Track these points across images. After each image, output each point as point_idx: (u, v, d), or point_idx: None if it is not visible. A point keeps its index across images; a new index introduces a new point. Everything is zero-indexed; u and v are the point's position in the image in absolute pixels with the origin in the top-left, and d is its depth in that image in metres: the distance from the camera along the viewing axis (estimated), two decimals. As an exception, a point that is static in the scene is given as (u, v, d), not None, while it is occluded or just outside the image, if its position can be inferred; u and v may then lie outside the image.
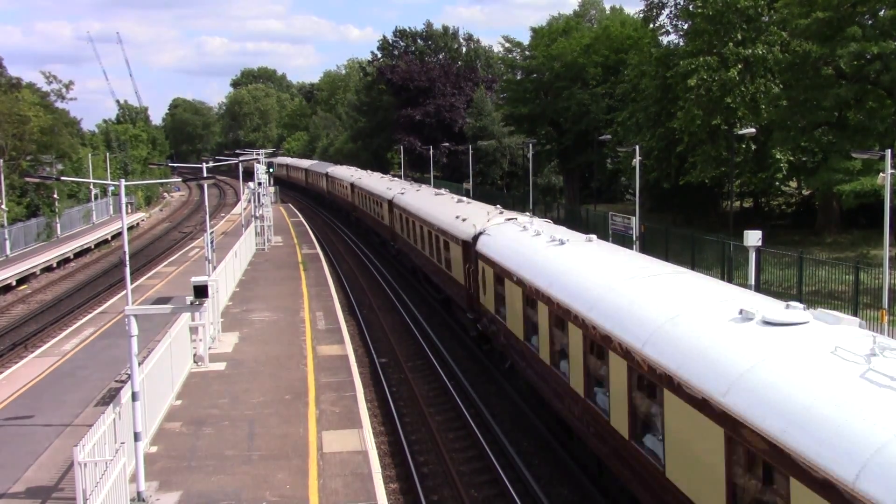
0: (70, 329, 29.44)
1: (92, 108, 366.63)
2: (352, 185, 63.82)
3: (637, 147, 43.31)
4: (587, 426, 15.63)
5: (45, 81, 66.20)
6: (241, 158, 54.59)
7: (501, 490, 17.55)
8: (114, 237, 62.59)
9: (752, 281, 30.47)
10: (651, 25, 54.80)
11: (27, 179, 52.92)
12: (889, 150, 26.38)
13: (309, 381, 21.56)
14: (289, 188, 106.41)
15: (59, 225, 59.04)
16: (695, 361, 11.38)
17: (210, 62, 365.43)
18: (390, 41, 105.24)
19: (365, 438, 17.41)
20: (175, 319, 20.92)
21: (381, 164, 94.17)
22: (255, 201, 48.27)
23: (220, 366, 23.06)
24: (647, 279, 15.55)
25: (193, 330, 22.81)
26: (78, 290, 43.95)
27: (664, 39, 57.02)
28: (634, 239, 40.65)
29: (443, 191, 42.47)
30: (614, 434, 14.04)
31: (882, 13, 38.88)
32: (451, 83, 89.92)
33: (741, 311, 11.94)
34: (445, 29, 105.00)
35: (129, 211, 74.12)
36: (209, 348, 23.86)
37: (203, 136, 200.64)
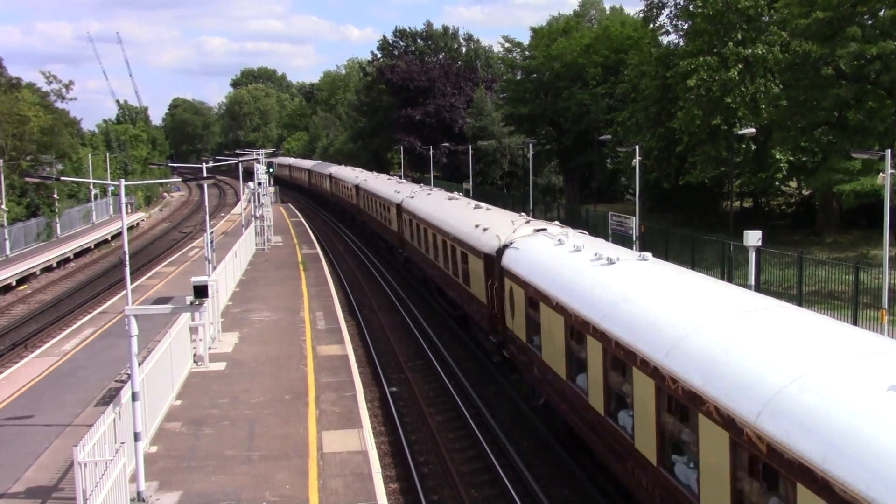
0: (70, 329, 29.44)
1: (92, 108, 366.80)
2: (356, 187, 60.91)
3: (637, 147, 43.32)
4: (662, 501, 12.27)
5: (45, 81, 66.34)
6: (241, 159, 54.58)
7: (501, 490, 17.55)
8: (114, 237, 62.59)
9: (751, 281, 30.49)
10: (651, 25, 54.80)
11: (27, 179, 52.93)
12: (889, 150, 26.37)
13: (309, 381, 21.56)
14: (292, 189, 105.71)
15: (59, 225, 59.04)
16: (847, 449, 8.15)
17: (210, 62, 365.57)
18: (390, 41, 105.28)
19: (365, 438, 17.41)
20: (175, 319, 20.92)
21: (381, 165, 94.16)
22: (255, 201, 48.27)
23: (220, 366, 23.06)
24: (740, 316, 12.00)
25: (193, 330, 22.81)
26: (78, 290, 43.95)
27: (664, 39, 57.09)
28: (634, 239, 40.65)
29: (456, 194, 39.59)
30: None
31: (882, 13, 38.87)
32: (451, 83, 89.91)
33: None
34: (445, 29, 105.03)
35: (129, 211, 74.11)
36: (209, 348, 23.86)
37: (203, 136, 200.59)
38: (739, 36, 44.96)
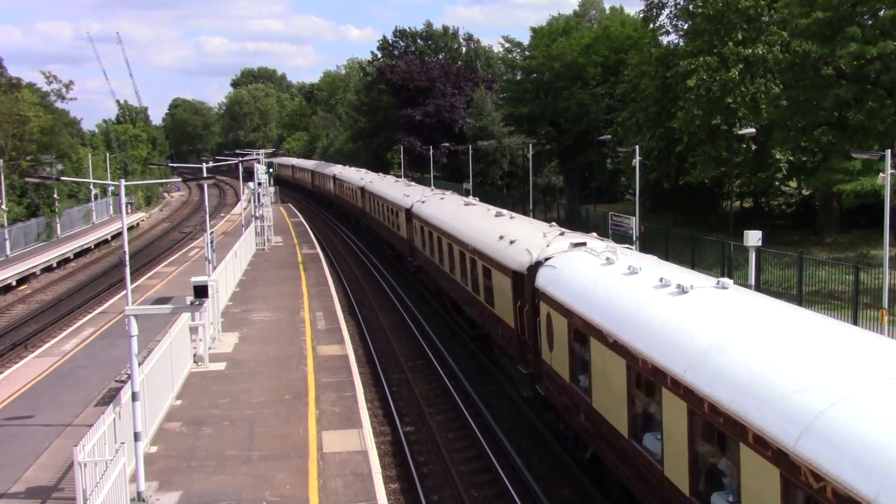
0: (70, 329, 29.45)
1: (92, 108, 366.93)
2: (362, 189, 58.03)
3: (637, 147, 43.32)
4: None
5: (45, 81, 66.25)
6: (241, 159, 54.56)
7: (501, 490, 17.55)
8: (114, 237, 62.60)
9: (752, 281, 30.50)
10: (651, 25, 54.79)
11: (27, 179, 52.92)
12: (889, 150, 26.37)
13: (309, 381, 21.56)
14: (294, 190, 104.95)
15: (59, 225, 59.04)
16: None
17: (210, 62, 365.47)
18: (390, 41, 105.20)
19: (365, 438, 17.41)
20: (175, 319, 20.93)
21: (381, 165, 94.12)
22: (255, 201, 48.27)
23: (220, 366, 23.06)
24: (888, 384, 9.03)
25: (193, 330, 22.81)
26: (78, 290, 43.96)
27: (664, 39, 57.08)
28: (634, 239, 40.66)
29: (473, 199, 36.49)
30: None
31: (882, 13, 38.87)
32: (451, 83, 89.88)
33: None
34: (445, 29, 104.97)
35: (129, 211, 74.12)
36: (209, 348, 23.86)
37: (203, 136, 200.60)
38: (740, 36, 44.95)
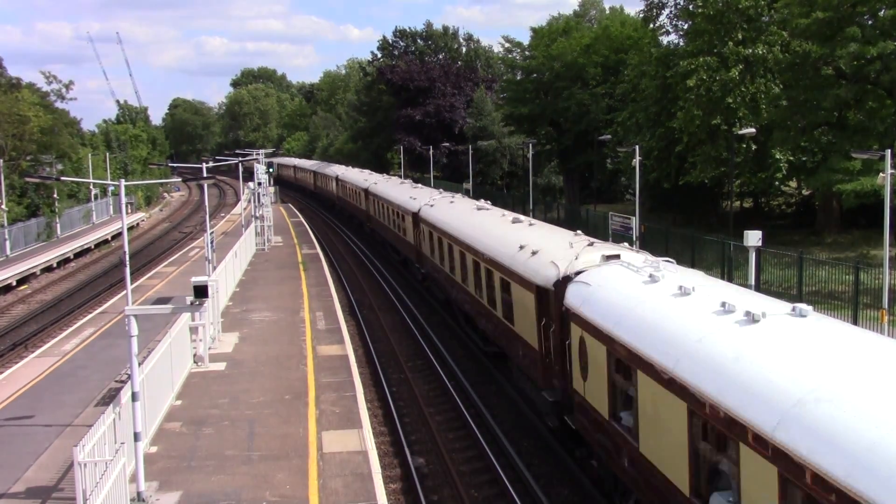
0: (70, 329, 29.45)
1: (92, 108, 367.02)
2: (366, 191, 55.72)
3: (637, 147, 43.32)
4: None
5: (45, 81, 66.24)
6: (243, 158, 54.54)
7: (501, 490, 17.55)
8: (114, 237, 62.59)
9: (752, 281, 30.50)
10: (651, 25, 54.82)
11: (27, 179, 52.93)
12: (889, 150, 26.38)
13: (309, 381, 21.56)
14: (296, 191, 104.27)
15: (59, 225, 59.04)
16: None
17: (210, 62, 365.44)
18: (390, 41, 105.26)
19: (365, 438, 17.41)
20: (175, 319, 20.92)
21: (381, 164, 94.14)
22: (255, 201, 48.27)
23: (220, 366, 23.06)
24: None
25: (193, 330, 22.81)
26: (78, 290, 43.95)
27: (664, 39, 57.12)
28: (634, 239, 40.66)
29: (485, 203, 33.08)
30: None
31: (882, 13, 38.89)
32: (451, 83, 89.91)
33: None
34: (445, 29, 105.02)
35: (129, 211, 74.12)
36: (209, 348, 23.86)
37: (203, 136, 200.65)
38: (740, 36, 44.97)
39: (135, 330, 14.25)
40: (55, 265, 50.92)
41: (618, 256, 17.59)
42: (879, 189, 28.55)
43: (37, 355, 25.36)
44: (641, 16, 55.33)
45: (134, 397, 14.44)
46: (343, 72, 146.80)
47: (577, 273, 17.14)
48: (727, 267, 34.33)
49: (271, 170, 65.96)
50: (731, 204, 46.08)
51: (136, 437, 14.45)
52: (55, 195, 58.96)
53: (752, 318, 11.34)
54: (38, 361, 24.25)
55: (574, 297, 16.32)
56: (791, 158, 45.19)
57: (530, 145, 63.92)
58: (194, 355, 23.02)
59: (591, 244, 19.37)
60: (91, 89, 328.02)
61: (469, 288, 26.55)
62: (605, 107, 66.40)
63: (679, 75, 45.71)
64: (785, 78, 43.25)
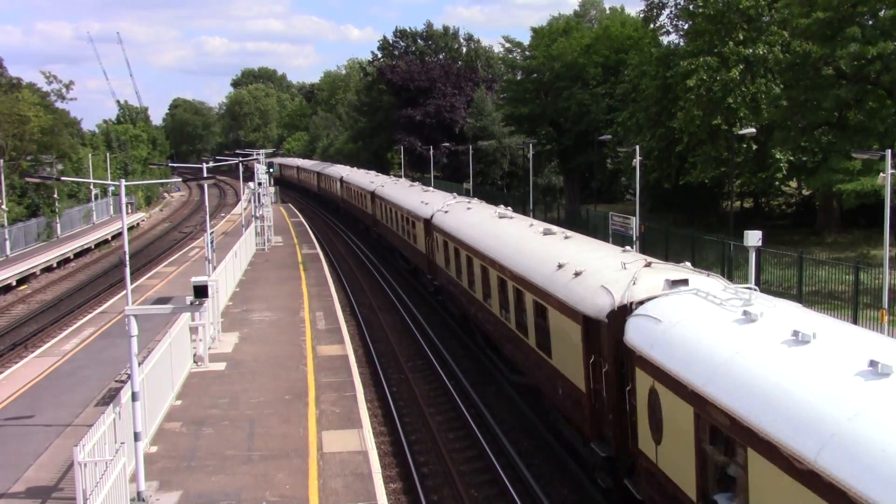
0: (70, 329, 29.45)
1: (92, 108, 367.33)
2: (372, 194, 52.94)
3: (637, 147, 43.31)
4: None
5: (45, 81, 66.31)
6: (245, 158, 54.53)
7: (501, 490, 17.55)
8: (114, 237, 62.60)
9: (751, 281, 30.47)
10: (651, 25, 54.80)
11: (27, 179, 52.94)
12: (889, 150, 26.37)
13: (309, 381, 21.56)
14: (299, 192, 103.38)
15: (59, 225, 59.06)
16: None
17: (210, 62, 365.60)
18: (390, 41, 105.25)
19: (365, 438, 17.41)
20: (175, 319, 20.93)
21: (381, 165, 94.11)
22: (255, 201, 48.28)
23: (220, 366, 23.06)
24: None
25: (193, 330, 22.82)
26: (78, 290, 43.96)
27: (664, 39, 57.08)
28: (634, 239, 40.66)
29: (506, 210, 30.49)
30: None
31: (882, 13, 38.90)
32: (452, 83, 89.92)
33: None
34: (446, 29, 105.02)
35: (130, 211, 74.13)
36: (209, 348, 23.87)
37: (203, 136, 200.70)
38: (740, 36, 44.95)
39: (135, 330, 14.25)
40: (55, 265, 50.92)
41: (686, 281, 14.60)
42: (879, 189, 28.54)
43: (37, 355, 25.37)
44: (642, 16, 55.33)
45: (134, 397, 14.44)
46: (343, 72, 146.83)
47: (639, 303, 14.27)
48: (727, 267, 34.33)
49: (272, 170, 65.94)
50: (732, 204, 46.07)
51: (136, 436, 14.45)
52: (55, 195, 58.98)
53: (881, 373, 8.70)
54: (38, 361, 24.26)
55: (638, 335, 13.28)
56: (791, 158, 45.18)
57: (530, 145, 63.92)
58: (194, 355, 23.03)
59: (648, 264, 16.03)
60: (91, 89, 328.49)
61: (492, 308, 23.45)
62: (606, 107, 66.39)
63: (679, 75, 45.70)
64: (785, 78, 43.24)
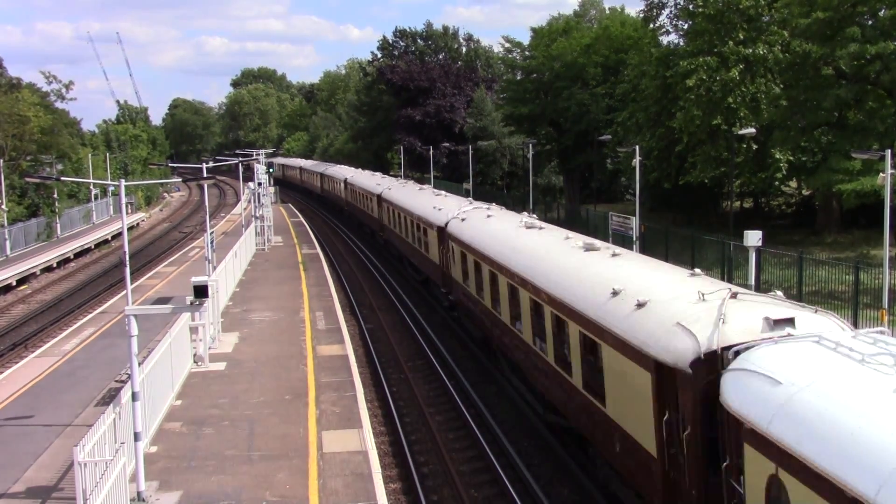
0: (70, 329, 29.45)
1: (92, 108, 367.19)
2: (379, 197, 50.21)
3: (637, 147, 43.30)
4: None
5: (45, 81, 66.19)
6: (244, 159, 54.49)
7: (501, 490, 17.55)
8: (114, 237, 62.59)
9: (751, 281, 30.51)
10: (651, 25, 54.81)
11: (27, 179, 52.93)
12: (889, 150, 26.37)
13: (309, 381, 21.56)
14: (302, 193, 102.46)
15: (59, 225, 59.06)
16: None
17: (210, 62, 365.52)
18: (390, 41, 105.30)
19: (365, 438, 17.41)
20: (175, 319, 20.93)
21: (381, 165, 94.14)
22: (255, 201, 48.28)
23: (220, 366, 23.06)
24: None
25: (193, 330, 22.82)
26: (78, 290, 43.95)
27: (664, 39, 57.09)
28: (634, 239, 40.66)
29: (533, 218, 26.64)
30: None
31: (882, 13, 38.91)
32: (451, 83, 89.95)
33: None
34: (445, 29, 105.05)
35: (130, 211, 74.13)
36: (209, 348, 23.86)
37: (203, 136, 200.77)
38: (740, 36, 44.95)
39: (135, 330, 14.25)
40: (55, 265, 50.91)
41: (791, 321, 11.72)
42: (879, 189, 28.54)
43: (37, 355, 25.36)
44: (641, 16, 55.33)
45: (134, 397, 14.45)
46: (343, 72, 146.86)
47: (733, 349, 11.15)
48: (727, 267, 34.34)
49: (272, 170, 65.91)
50: (731, 204, 46.09)
51: (136, 436, 14.45)
52: (55, 195, 58.98)
53: None
54: (38, 361, 24.25)
55: (746, 399, 10.15)
56: (791, 158, 45.19)
57: (530, 145, 63.94)
58: (194, 355, 23.03)
59: (734, 295, 12.71)
60: (91, 89, 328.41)
61: (523, 335, 20.39)
62: (605, 107, 66.39)
63: (679, 75, 45.70)
64: (785, 78, 43.25)
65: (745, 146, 44.82)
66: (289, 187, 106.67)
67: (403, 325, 33.11)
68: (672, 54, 50.17)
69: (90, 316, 31.53)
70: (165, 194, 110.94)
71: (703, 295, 12.94)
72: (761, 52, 44.36)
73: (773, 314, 11.84)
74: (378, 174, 66.11)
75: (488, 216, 28.53)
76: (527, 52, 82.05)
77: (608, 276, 15.88)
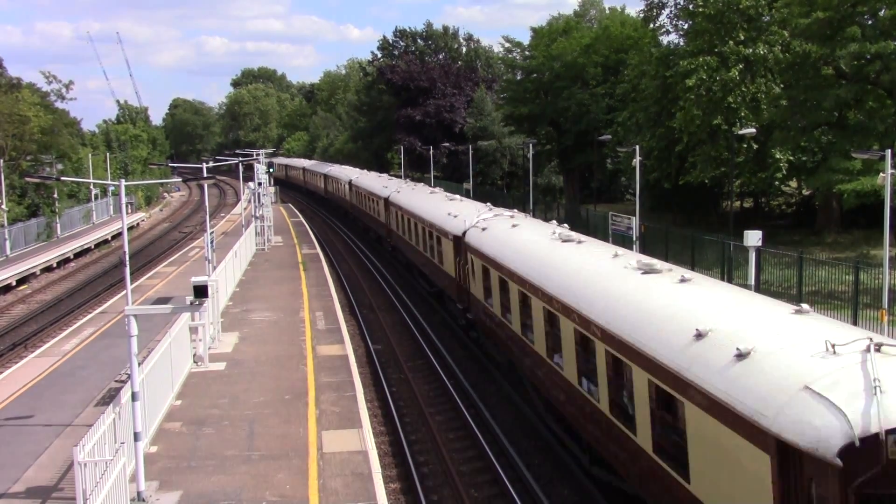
0: (70, 329, 29.44)
1: (92, 108, 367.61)
2: (386, 200, 47.12)
3: (637, 147, 43.33)
4: None
5: (45, 81, 66.31)
6: (244, 159, 54.50)
7: (501, 490, 17.55)
8: (114, 237, 62.59)
9: (751, 281, 30.51)
10: (651, 25, 54.84)
11: (27, 179, 52.94)
12: (889, 150, 26.39)
13: (309, 381, 21.55)
14: (305, 195, 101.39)
15: (59, 225, 59.05)
16: None
17: (210, 62, 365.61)
18: (390, 41, 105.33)
19: (365, 438, 17.41)
20: (175, 319, 20.92)
21: (381, 164, 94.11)
22: (255, 201, 48.28)
23: (220, 366, 23.06)
24: None
25: (193, 330, 22.81)
26: (78, 290, 43.94)
27: (664, 39, 57.17)
28: (634, 239, 40.66)
29: (567, 230, 22.47)
30: None
31: (882, 13, 38.91)
32: (451, 83, 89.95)
33: None
34: (445, 29, 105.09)
35: (130, 211, 74.13)
36: (209, 348, 23.86)
37: (203, 136, 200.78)
38: (740, 36, 44.98)
39: (135, 330, 14.25)
40: (55, 265, 50.91)
41: (891, 347, 9.25)
42: (879, 189, 28.55)
43: (37, 355, 25.35)
44: (641, 16, 55.38)
45: (134, 397, 14.44)
46: (343, 72, 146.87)
47: (873, 419, 8.34)
48: (727, 267, 34.34)
49: (272, 170, 65.86)
50: (731, 204, 46.08)
51: (136, 436, 14.45)
52: (55, 195, 58.97)
53: None
54: (38, 361, 24.24)
55: None
56: (791, 158, 45.21)
57: (530, 145, 63.94)
58: (194, 355, 23.02)
59: (878, 348, 9.26)
60: (91, 89, 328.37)
61: (564, 371, 17.04)
62: (605, 107, 66.42)
63: (679, 75, 45.72)
64: (785, 78, 43.26)
65: (745, 146, 44.83)
66: (292, 188, 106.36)
67: (403, 325, 33.02)
68: (672, 54, 50.20)
69: (90, 316, 31.52)
70: (165, 194, 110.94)
71: (832, 346, 9.55)
72: (761, 52, 44.37)
73: (887, 344, 9.23)
74: (385, 175, 64.11)
75: (513, 225, 25.14)
76: (527, 52, 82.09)
77: (684, 310, 12.68)
